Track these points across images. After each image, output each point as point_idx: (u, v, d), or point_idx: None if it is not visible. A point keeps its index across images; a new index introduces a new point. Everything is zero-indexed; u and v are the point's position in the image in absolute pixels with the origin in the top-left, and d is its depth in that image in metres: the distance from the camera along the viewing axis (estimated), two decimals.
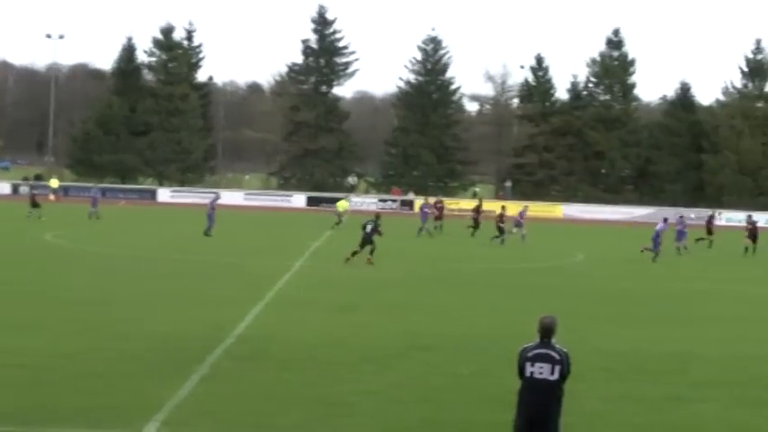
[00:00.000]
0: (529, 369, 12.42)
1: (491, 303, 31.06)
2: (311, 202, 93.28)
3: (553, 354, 12.38)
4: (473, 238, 56.80)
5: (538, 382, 12.36)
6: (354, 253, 40.47)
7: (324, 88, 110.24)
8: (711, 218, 60.56)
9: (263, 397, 17.47)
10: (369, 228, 40.88)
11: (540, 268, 42.91)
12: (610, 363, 21.80)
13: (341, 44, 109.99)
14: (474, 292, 33.56)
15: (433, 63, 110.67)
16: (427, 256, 42.08)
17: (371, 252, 40.55)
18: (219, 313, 26.43)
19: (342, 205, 65.63)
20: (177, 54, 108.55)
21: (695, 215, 73.31)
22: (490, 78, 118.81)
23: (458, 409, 17.21)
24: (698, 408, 18.05)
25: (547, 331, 12.53)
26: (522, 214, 56.95)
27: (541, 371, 12.34)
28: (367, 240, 40.68)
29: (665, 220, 52.10)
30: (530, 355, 12.46)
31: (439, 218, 61.83)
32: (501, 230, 52.99)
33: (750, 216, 55.31)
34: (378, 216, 43.20)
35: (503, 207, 57.74)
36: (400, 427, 16.05)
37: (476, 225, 58.99)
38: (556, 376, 12.35)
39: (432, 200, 66.69)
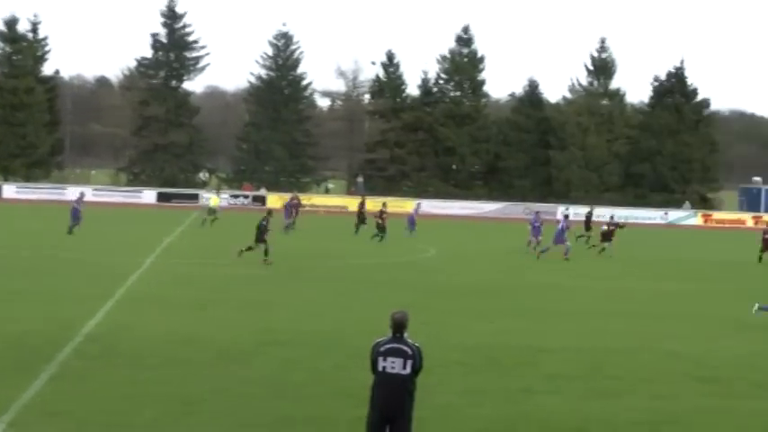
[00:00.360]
0: (381, 364, 12.51)
1: (346, 299, 31.09)
2: (162, 197, 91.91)
3: (405, 348, 12.48)
4: (356, 235, 56.51)
5: (390, 377, 12.45)
6: (249, 248, 40.49)
7: (174, 83, 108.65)
8: (590, 214, 60.32)
9: (114, 396, 17.18)
10: (262, 224, 40.94)
11: (394, 263, 43.10)
12: (463, 356, 22.03)
13: (191, 38, 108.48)
14: (329, 288, 33.52)
15: (284, 58, 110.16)
16: (282, 253, 41.79)
17: (266, 252, 40.36)
18: (68, 311, 25.90)
19: (215, 201, 64.83)
20: (22, 47, 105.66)
21: (566, 210, 73.61)
22: (341, 74, 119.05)
23: (314, 404, 17.19)
24: (550, 400, 18.37)
25: (398, 326, 12.61)
26: (415, 212, 57.92)
27: (393, 365, 12.44)
28: (260, 238, 40.54)
29: (567, 216, 53.00)
30: (382, 349, 12.55)
31: (295, 214, 61.53)
32: (381, 228, 52.91)
33: (612, 217, 55.35)
34: (269, 212, 43.09)
35: (384, 204, 57.56)
36: (255, 423, 15.97)
37: (361, 221, 58.66)
38: (408, 371, 12.45)
39: (287, 196, 66.45)
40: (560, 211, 61.94)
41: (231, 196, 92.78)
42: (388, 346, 12.55)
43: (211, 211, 62.54)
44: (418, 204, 59.83)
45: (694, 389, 19.74)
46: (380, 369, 12.52)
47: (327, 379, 19.16)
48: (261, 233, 40.74)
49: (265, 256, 40.18)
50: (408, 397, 12.55)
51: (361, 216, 59.30)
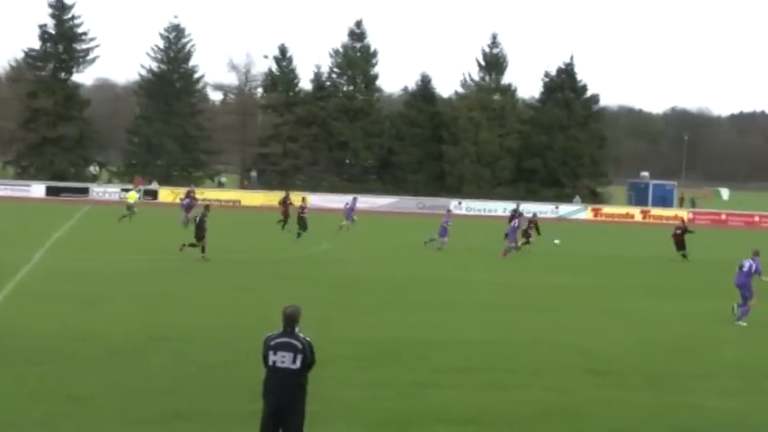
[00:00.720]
0: (272, 358, 12.52)
1: (240, 294, 30.87)
2: (51, 191, 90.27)
3: (295, 342, 12.48)
4: (284, 231, 56.02)
5: (281, 371, 12.46)
6: (192, 245, 40.21)
7: (63, 75, 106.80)
8: (534, 216, 59.74)
9: (3, 394, 16.85)
10: (199, 220, 40.95)
11: (288, 258, 42.98)
12: (357, 350, 22.07)
13: (80, 30, 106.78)
14: (223, 283, 33.30)
15: (175, 51, 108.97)
16: (173, 246, 41.31)
17: (203, 249, 40.10)
18: None
19: (132, 196, 63.71)
20: None
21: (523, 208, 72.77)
22: (234, 68, 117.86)
23: (207, 400, 17.07)
24: (444, 393, 18.47)
25: (289, 320, 12.62)
26: (351, 206, 57.75)
27: (284, 359, 12.44)
28: (199, 234, 40.37)
29: (521, 214, 53.13)
30: (272, 344, 12.56)
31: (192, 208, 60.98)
32: (302, 223, 52.09)
33: (535, 214, 55.24)
34: (207, 208, 42.99)
35: (303, 199, 56.89)
36: (147, 419, 15.82)
37: (286, 217, 58.04)
38: (298, 365, 12.45)
39: (180, 191, 65.83)
40: (525, 209, 61.45)
41: (122, 190, 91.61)
42: (278, 340, 12.54)
43: (129, 207, 61.58)
44: (354, 199, 59.39)
45: (586, 381, 20.01)
46: (271, 363, 12.52)
47: (221, 374, 19.04)
48: (199, 229, 40.60)
49: (202, 253, 39.94)
50: (300, 391, 12.55)
51: (285, 212, 58.78)
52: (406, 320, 26.82)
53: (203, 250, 40.07)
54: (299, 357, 12.42)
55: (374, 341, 23.26)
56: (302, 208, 53.23)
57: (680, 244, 49.78)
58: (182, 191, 72.90)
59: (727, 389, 19.88)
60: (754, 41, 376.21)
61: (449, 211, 55.71)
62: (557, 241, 51.20)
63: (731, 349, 24.47)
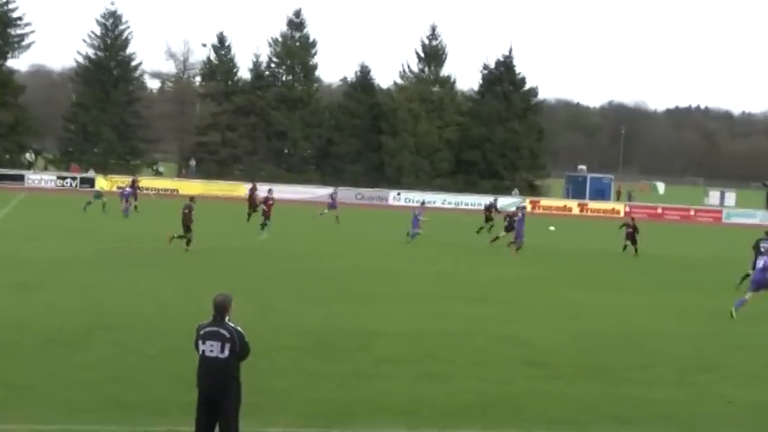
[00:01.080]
0: (201, 347, 12.55)
1: (178, 283, 30.73)
2: None
3: (223, 332, 12.46)
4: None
5: (209, 360, 12.47)
6: (180, 236, 40.35)
7: None
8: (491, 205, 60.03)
9: None
10: (185, 212, 41.04)
11: (227, 247, 42.80)
12: (296, 340, 22.05)
13: (15, 15, 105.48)
14: (162, 272, 33.12)
15: (112, 38, 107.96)
16: (115, 236, 41.16)
17: (188, 242, 40.23)
18: None
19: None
20: None
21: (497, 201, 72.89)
22: (172, 56, 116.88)
23: (147, 389, 17.00)
24: (383, 383, 18.52)
25: (218, 309, 12.63)
26: (333, 197, 57.83)
27: (212, 349, 12.43)
28: (186, 226, 40.56)
29: (523, 207, 53.17)
30: (202, 333, 12.60)
31: (134, 197, 60.62)
32: (266, 215, 51.41)
33: (524, 208, 55.53)
34: (192, 199, 42.94)
35: (269, 191, 55.81)
36: (87, 408, 15.72)
37: (252, 209, 57.09)
38: (226, 354, 12.42)
39: (117, 179, 65.41)
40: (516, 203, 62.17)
41: (58, 178, 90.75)
42: (207, 329, 12.54)
43: (98, 194, 60.94)
44: (335, 191, 59.17)
45: (525, 372, 20.15)
46: (200, 352, 12.52)
47: (159, 363, 18.95)
48: (186, 220, 40.72)
49: (187, 245, 39.96)
50: (231, 380, 12.51)
51: (251, 203, 58.13)
52: (344, 311, 26.82)
53: (188, 243, 40.08)
54: (228, 346, 12.37)
55: (313, 331, 23.25)
56: (267, 199, 52.55)
57: (633, 240, 50.26)
58: (120, 179, 72.20)
59: (664, 380, 20.13)
60: (689, 37, 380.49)
61: (422, 203, 56.22)
62: (551, 228, 51.92)
63: (669, 341, 24.76)
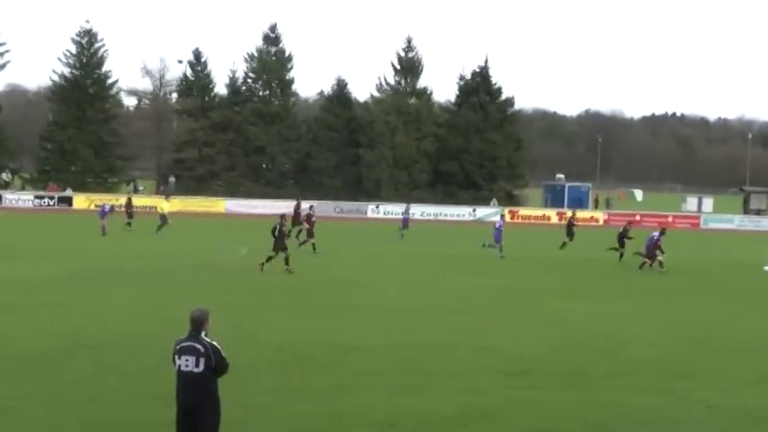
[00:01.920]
0: (177, 362, 12.63)
1: (158, 300, 30.63)
2: None
3: (199, 346, 12.51)
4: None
5: (185, 375, 12.53)
6: (269, 258, 39.70)
7: None
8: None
9: None
10: (277, 230, 40.33)
11: (207, 264, 42.72)
12: (275, 355, 22.04)
13: None
14: (141, 290, 32.99)
15: (88, 56, 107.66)
16: (94, 254, 41.03)
17: (286, 261, 39.52)
18: None
19: (165, 206, 62.22)
20: None
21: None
22: (148, 73, 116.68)
23: (125, 408, 16.95)
24: (362, 396, 18.50)
25: (195, 324, 12.70)
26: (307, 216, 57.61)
27: (187, 363, 12.49)
28: (279, 245, 39.97)
29: (502, 216, 53.55)
30: (178, 347, 12.67)
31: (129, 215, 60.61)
32: (309, 233, 50.64)
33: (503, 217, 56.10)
34: (283, 217, 42.02)
35: (311, 207, 55.06)
36: (65, 428, 15.73)
37: (296, 225, 56.19)
38: (201, 368, 12.46)
39: (95, 198, 65.21)
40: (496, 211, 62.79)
41: (36, 197, 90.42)
42: (183, 344, 12.60)
43: (163, 217, 60.50)
44: (311, 207, 58.59)
45: (504, 382, 20.16)
46: (177, 367, 12.59)
47: (138, 382, 18.88)
48: (279, 239, 40.06)
49: (286, 264, 39.49)
50: (207, 395, 12.53)
51: (296, 220, 57.21)
52: (322, 325, 26.79)
53: (287, 262, 39.55)
54: (203, 361, 12.42)
55: (291, 345, 23.21)
56: (309, 217, 51.45)
57: (621, 243, 50.48)
58: (98, 198, 72.00)
59: (643, 387, 20.17)
60: (664, 44, 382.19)
61: (502, 216, 56.84)
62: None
63: (645, 348, 24.81)
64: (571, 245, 55.39)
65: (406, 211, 65.53)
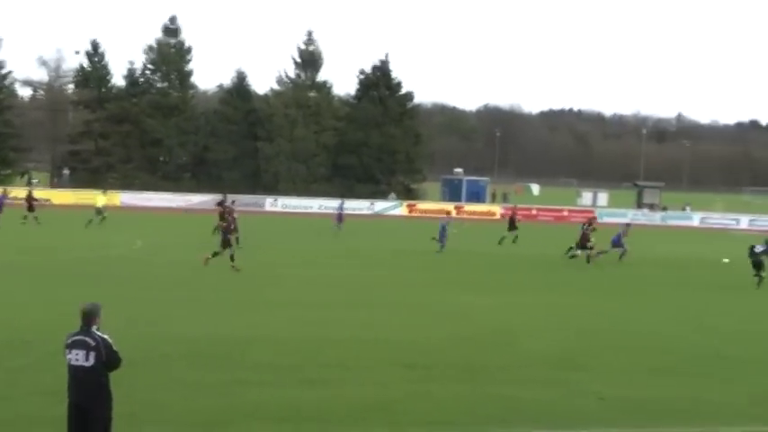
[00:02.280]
0: (68, 356, 12.53)
1: (49, 294, 30.13)
2: None
3: (89, 340, 12.42)
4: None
5: (75, 369, 12.43)
6: (215, 253, 39.34)
7: None
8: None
9: None
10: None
11: (101, 256, 42.15)
12: (172, 349, 21.81)
13: None
14: (32, 283, 32.48)
15: None
16: None
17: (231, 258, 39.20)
18: None
19: (101, 200, 62.07)
20: None
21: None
22: (44, 63, 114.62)
23: (13, 405, 16.67)
24: (262, 390, 18.41)
25: (85, 317, 12.62)
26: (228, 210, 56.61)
27: (77, 357, 12.38)
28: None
29: (449, 213, 53.59)
30: (69, 341, 12.57)
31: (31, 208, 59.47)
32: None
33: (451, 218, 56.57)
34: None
35: (233, 202, 53.98)
36: None
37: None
38: (91, 362, 12.37)
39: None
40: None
41: None
42: (74, 338, 12.48)
43: (98, 211, 59.41)
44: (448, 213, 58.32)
45: (401, 375, 20.20)
46: (67, 361, 12.47)
47: (26, 378, 18.55)
48: (224, 236, 40.05)
49: (232, 261, 39.07)
50: (98, 389, 12.42)
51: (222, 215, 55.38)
52: (219, 319, 26.63)
53: (232, 259, 39.25)
54: (93, 354, 12.30)
55: (187, 340, 23.00)
56: (231, 210, 50.25)
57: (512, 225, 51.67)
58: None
59: (535, 379, 20.39)
60: (561, 40, 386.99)
61: (448, 213, 56.65)
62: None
63: (541, 341, 25.07)
64: (509, 236, 56.42)
65: (340, 207, 65.13)
